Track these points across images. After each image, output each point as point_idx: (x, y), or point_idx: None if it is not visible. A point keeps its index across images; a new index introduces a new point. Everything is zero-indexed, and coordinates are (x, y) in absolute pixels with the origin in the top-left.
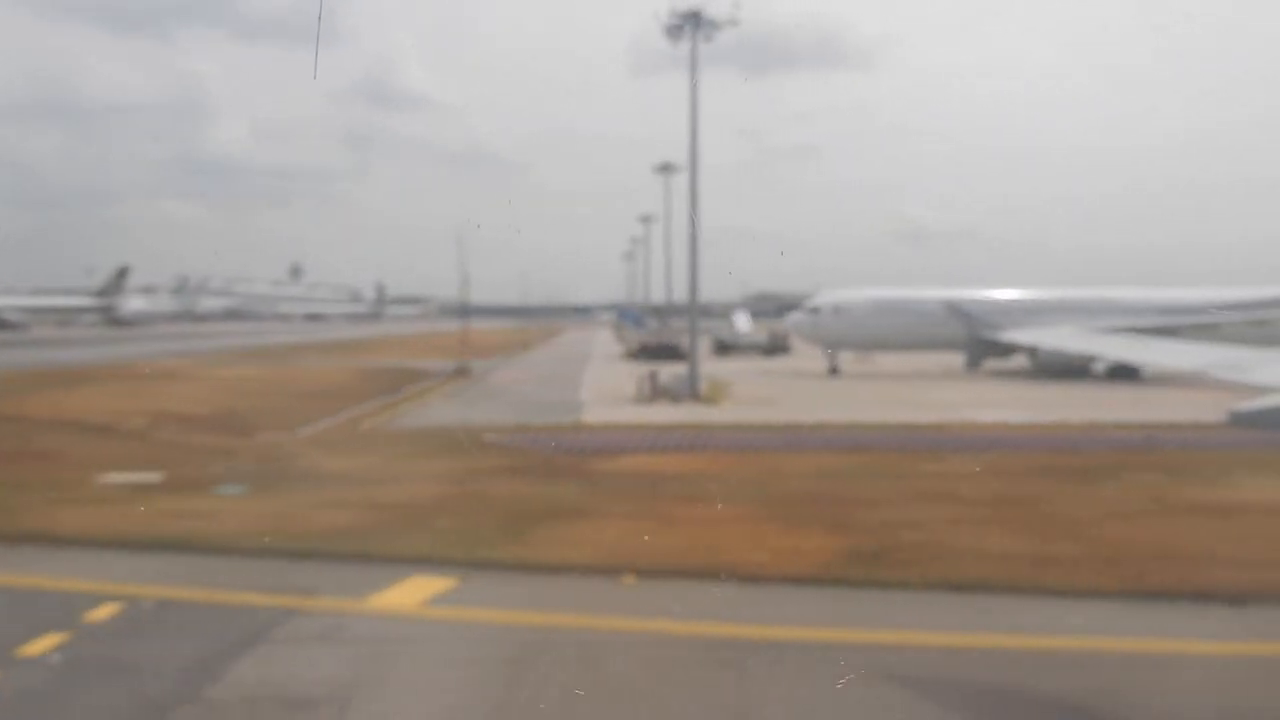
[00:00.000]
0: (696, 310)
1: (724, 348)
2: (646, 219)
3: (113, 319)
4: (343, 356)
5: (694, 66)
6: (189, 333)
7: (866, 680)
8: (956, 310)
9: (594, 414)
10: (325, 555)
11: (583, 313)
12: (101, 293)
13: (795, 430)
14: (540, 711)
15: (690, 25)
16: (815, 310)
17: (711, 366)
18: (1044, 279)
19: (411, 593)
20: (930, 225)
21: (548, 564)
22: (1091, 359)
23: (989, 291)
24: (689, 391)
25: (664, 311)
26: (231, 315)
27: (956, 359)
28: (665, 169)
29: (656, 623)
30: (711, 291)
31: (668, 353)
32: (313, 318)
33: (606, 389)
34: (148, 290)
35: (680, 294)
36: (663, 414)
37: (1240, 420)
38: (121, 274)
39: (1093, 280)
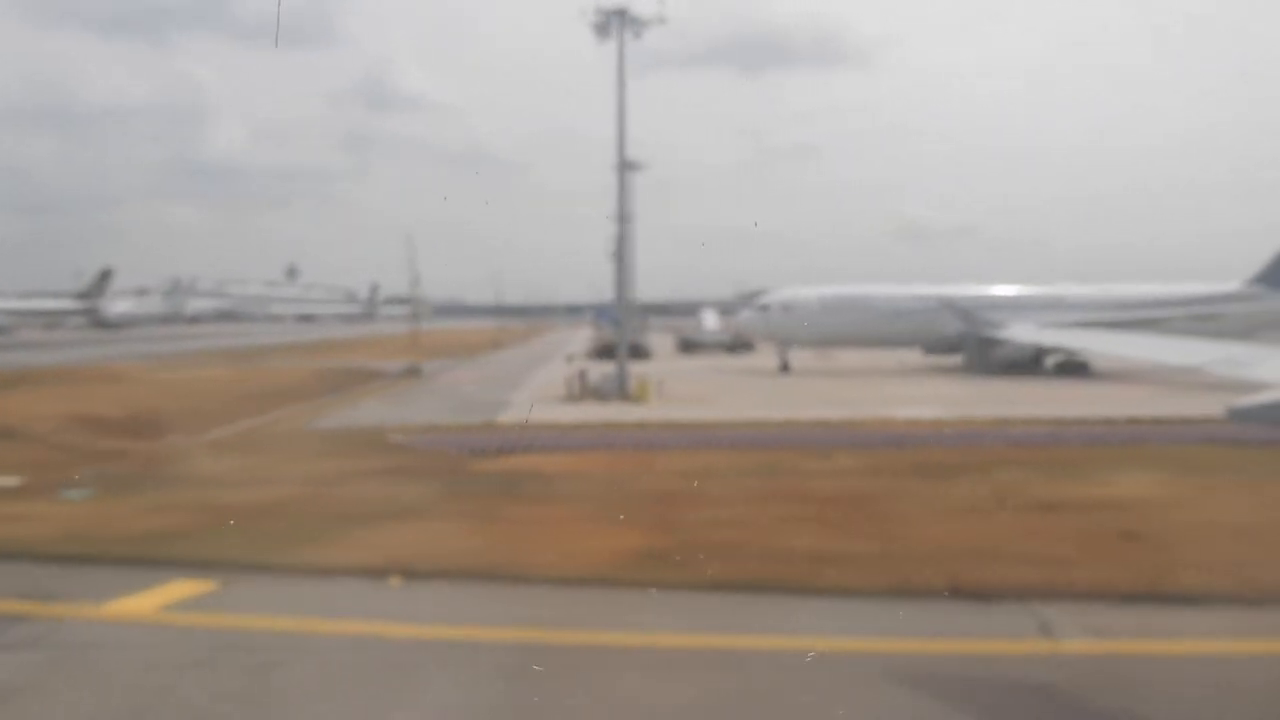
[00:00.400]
0: (625, 309)
1: (689, 345)
2: (625, 218)
3: (98, 321)
4: (309, 357)
5: (620, 65)
6: (171, 335)
7: (559, 680)
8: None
9: (517, 414)
10: (100, 559)
11: (575, 312)
12: (84, 295)
13: (705, 428)
14: (185, 713)
15: (617, 22)
16: (765, 308)
17: (670, 364)
18: (1043, 277)
19: (159, 598)
20: (930, 224)
21: (324, 567)
22: (1043, 354)
23: (941, 288)
24: (617, 390)
25: (650, 310)
26: (224, 317)
27: (917, 355)
28: (630, 166)
29: (377, 625)
30: (707, 290)
31: (634, 352)
32: (305, 319)
33: (547, 389)
34: (141, 292)
35: (656, 293)
36: (584, 413)
37: (1238, 416)
38: (104, 276)
39: (1094, 277)
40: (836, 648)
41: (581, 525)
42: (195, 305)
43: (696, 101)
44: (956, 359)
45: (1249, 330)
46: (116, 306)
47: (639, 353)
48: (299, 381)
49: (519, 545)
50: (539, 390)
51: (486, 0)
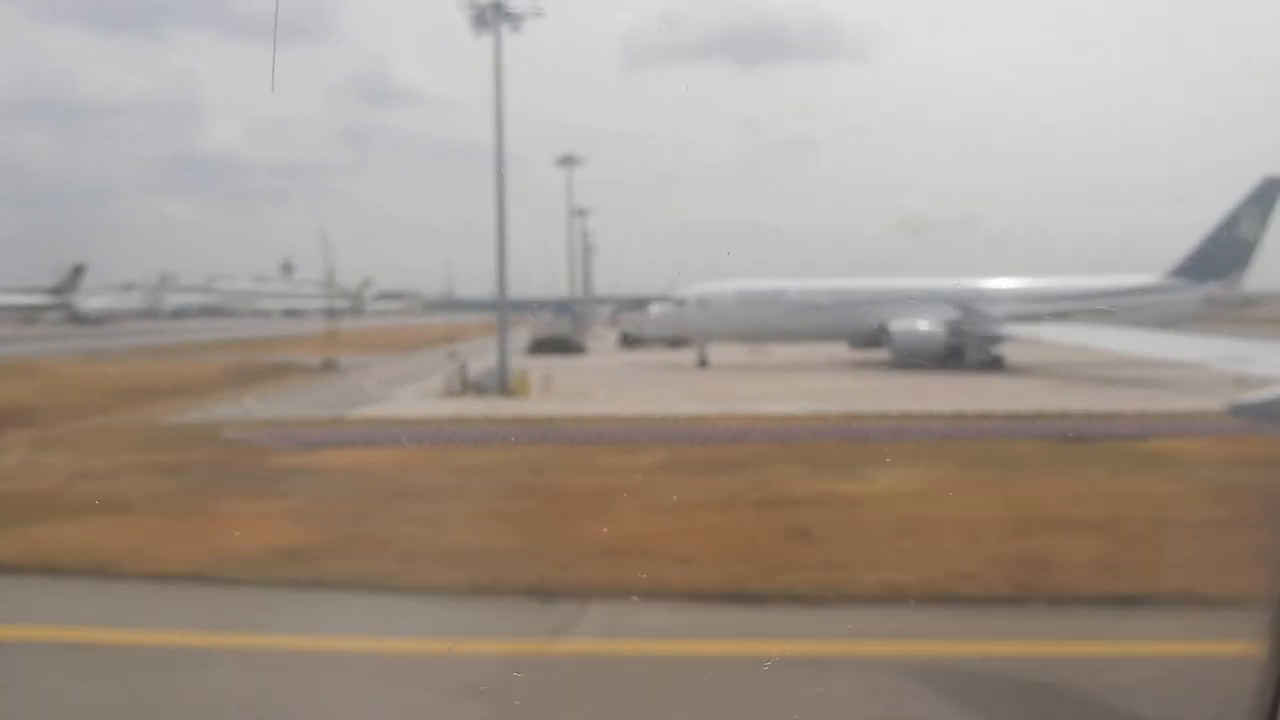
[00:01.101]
0: (506, 305)
1: (630, 340)
2: (582, 212)
3: (75, 316)
4: (247, 352)
5: (497, 57)
6: (142, 330)
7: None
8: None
9: (386, 408)
10: None
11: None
12: (56, 290)
13: (554, 423)
14: None
15: (493, 15)
16: (680, 302)
17: (597, 359)
18: (1043, 268)
19: None
20: (931, 217)
21: None
22: (951, 348)
23: (859, 282)
24: (498, 385)
25: (626, 305)
26: (210, 312)
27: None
28: (567, 161)
29: None
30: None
31: (561, 346)
32: (290, 313)
33: (442, 385)
34: (127, 287)
35: (653, 287)
36: (449, 407)
37: (1241, 413)
38: (77, 271)
39: (1092, 268)
40: (343, 647)
41: (265, 522)
42: (181, 300)
43: (694, 95)
44: (885, 353)
45: (1168, 321)
46: (90, 302)
47: (571, 347)
48: (206, 376)
49: (175, 542)
50: (433, 386)
51: None
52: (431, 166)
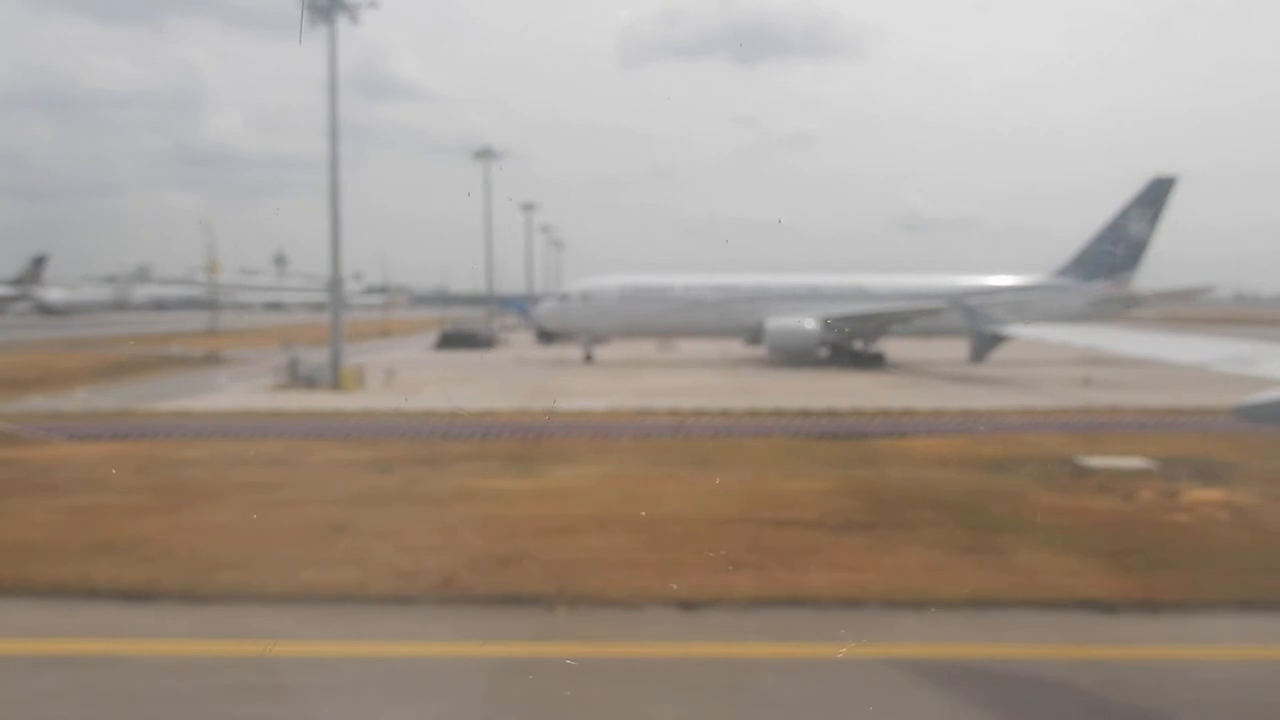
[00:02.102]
0: (339, 299)
1: (547, 336)
2: (528, 207)
3: (42, 308)
4: (162, 345)
5: (333, 55)
6: (97, 321)
7: None
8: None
9: (202, 401)
10: None
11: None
12: (18, 282)
13: (345, 417)
14: None
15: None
16: (565, 298)
17: (503, 354)
18: (1044, 266)
19: None
20: (929, 214)
21: None
22: (821, 346)
23: (746, 278)
24: (328, 379)
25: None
26: (189, 304)
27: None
28: (484, 154)
29: None
30: None
31: (469, 341)
32: (272, 306)
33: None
34: (110, 279)
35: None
36: (264, 401)
37: (1245, 414)
38: (38, 263)
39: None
40: None
41: None
42: (160, 293)
43: (692, 92)
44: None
45: (1053, 320)
46: (52, 294)
47: (479, 343)
48: (80, 368)
49: None
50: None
51: None
52: (429, 161)
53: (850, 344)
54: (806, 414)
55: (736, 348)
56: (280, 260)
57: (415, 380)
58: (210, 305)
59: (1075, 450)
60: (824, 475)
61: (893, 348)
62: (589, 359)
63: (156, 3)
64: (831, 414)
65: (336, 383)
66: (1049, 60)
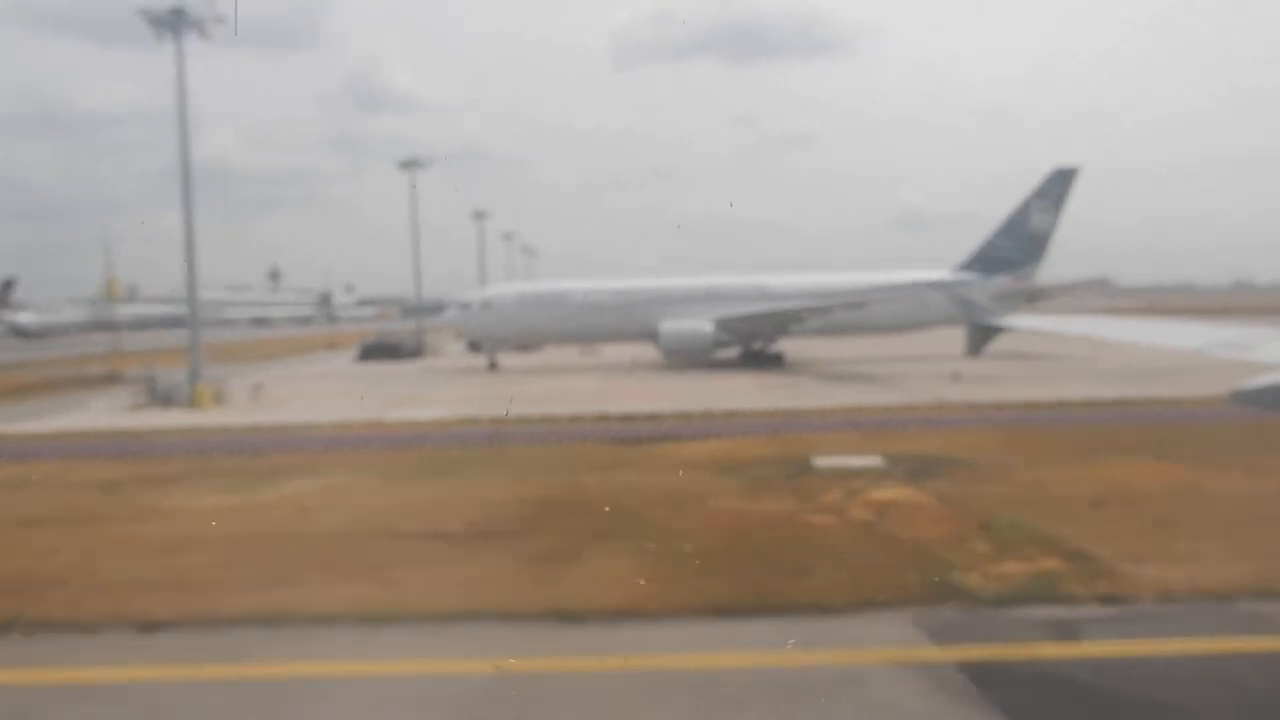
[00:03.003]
0: (197, 316)
1: (476, 345)
2: (480, 215)
3: (15, 330)
4: (102, 365)
5: (180, 69)
6: (65, 342)
7: None
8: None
9: (57, 421)
10: None
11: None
12: None
13: (166, 435)
14: None
15: (175, 21)
16: (466, 305)
17: (420, 364)
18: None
19: None
20: (929, 211)
21: None
22: (715, 347)
23: (645, 282)
24: (184, 397)
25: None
26: (172, 322)
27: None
28: (409, 164)
29: None
30: None
31: (390, 353)
32: (258, 322)
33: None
34: (95, 300)
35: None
36: (121, 419)
37: (1242, 399)
38: (6, 286)
39: (1095, 260)
40: None
41: None
42: (144, 311)
43: (686, 92)
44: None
45: (954, 317)
46: (21, 316)
47: (401, 354)
48: None
49: None
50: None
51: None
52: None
53: (748, 344)
54: (629, 418)
55: (647, 353)
56: (274, 275)
57: (287, 395)
58: (184, 323)
59: (838, 449)
60: (543, 482)
61: (837, 347)
62: (493, 366)
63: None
64: (652, 418)
65: (191, 400)
66: (1047, 57)
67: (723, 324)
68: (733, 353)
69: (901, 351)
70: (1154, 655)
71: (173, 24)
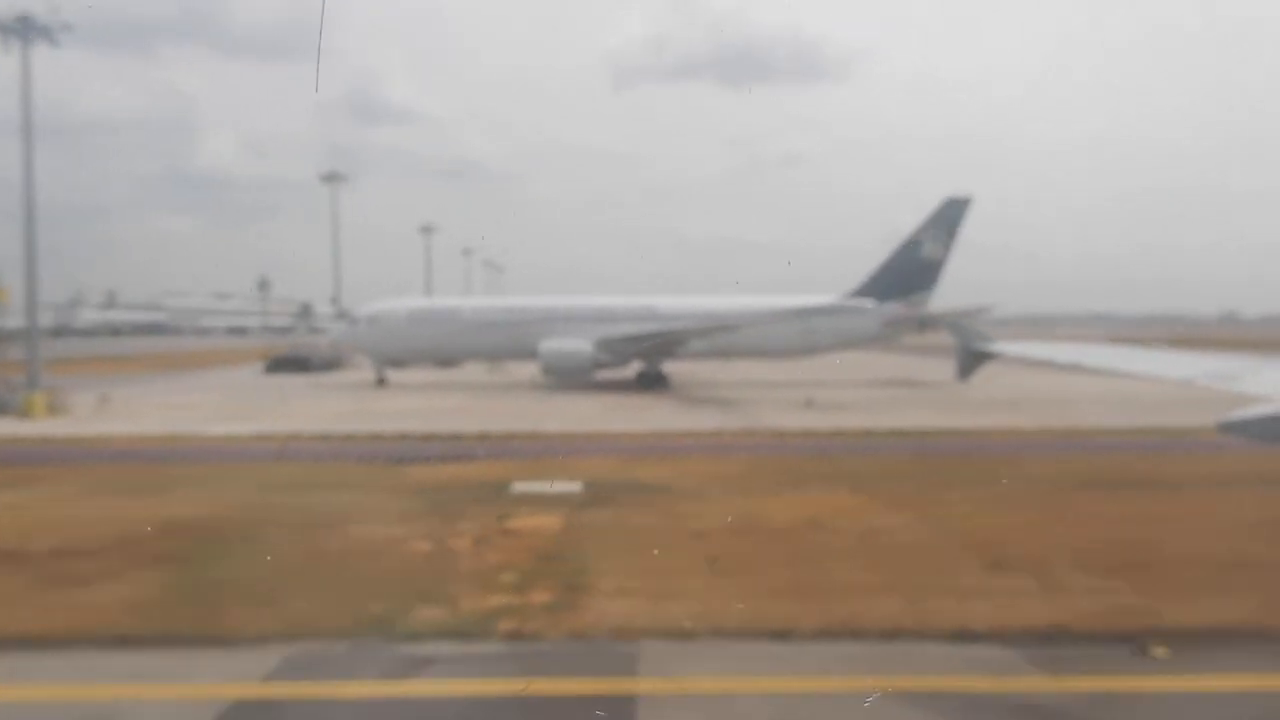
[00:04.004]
0: (36, 326)
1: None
2: (427, 229)
3: None
4: None
5: (25, 78)
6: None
7: None
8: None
9: None
10: None
11: None
12: None
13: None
14: None
15: (20, 30)
16: (355, 321)
17: (319, 377)
18: (1037, 288)
19: None
20: None
21: None
22: (596, 367)
23: (532, 300)
24: (17, 405)
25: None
26: (149, 329)
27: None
28: (331, 178)
29: None
30: None
31: (299, 365)
32: (235, 331)
33: None
34: (72, 304)
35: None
36: None
37: (1229, 430)
38: None
39: (1087, 289)
40: None
41: None
42: (110, 317)
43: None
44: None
45: (846, 342)
46: None
47: (309, 365)
48: None
49: None
50: None
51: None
52: (420, 183)
53: (628, 364)
54: (429, 438)
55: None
56: (263, 284)
57: (139, 407)
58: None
59: (576, 473)
60: (216, 502)
61: (740, 371)
62: (382, 382)
63: (149, 30)
64: (453, 438)
65: (22, 409)
66: (1039, 81)
67: (603, 344)
68: (630, 372)
69: (794, 377)
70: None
71: (20, 31)
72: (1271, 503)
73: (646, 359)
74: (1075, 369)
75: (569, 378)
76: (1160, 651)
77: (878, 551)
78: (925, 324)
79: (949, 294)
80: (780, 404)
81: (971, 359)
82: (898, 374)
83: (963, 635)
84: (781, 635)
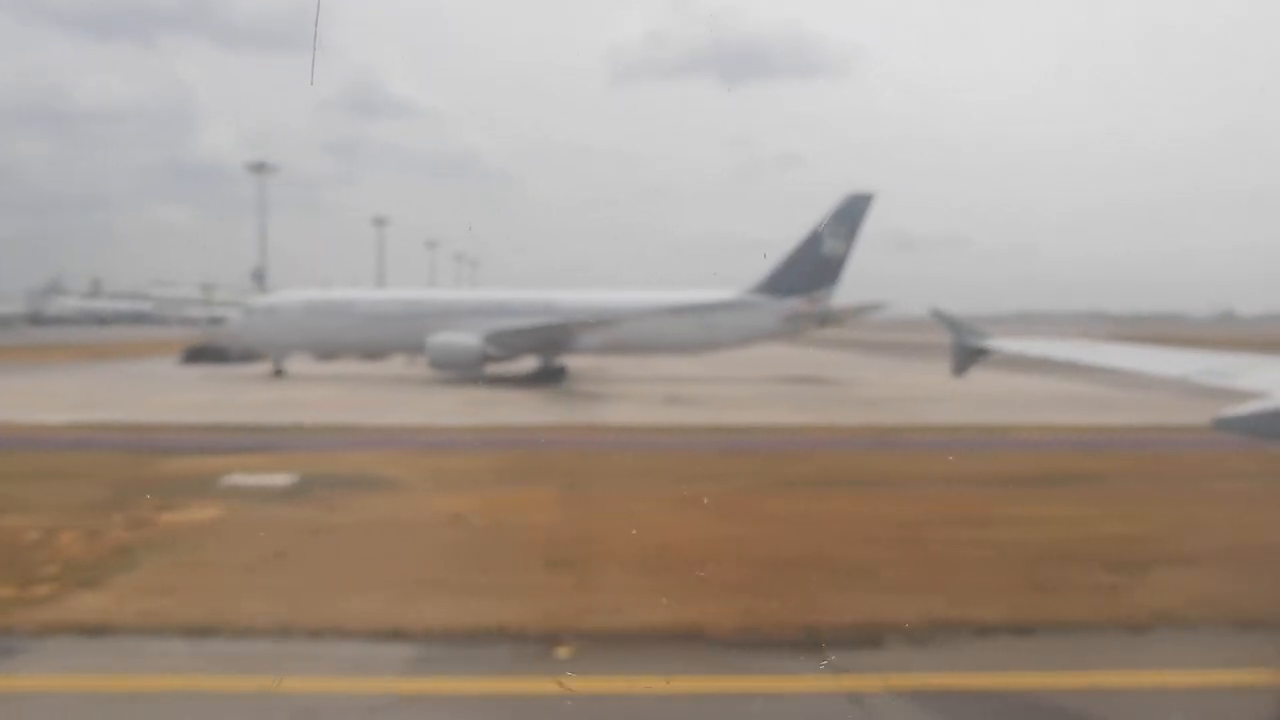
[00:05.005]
0: None
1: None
2: (380, 221)
3: None
4: None
5: None
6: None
7: None
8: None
9: None
10: None
11: None
12: None
13: None
14: None
15: None
16: (250, 311)
17: (227, 369)
18: (1035, 289)
19: None
20: (918, 233)
21: None
22: (484, 361)
23: (430, 293)
24: None
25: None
26: (133, 318)
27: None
28: (257, 168)
29: None
30: None
31: (217, 356)
32: (215, 321)
33: None
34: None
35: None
36: None
37: (1224, 426)
38: None
39: (1084, 289)
40: None
41: None
42: (88, 306)
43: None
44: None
45: (746, 338)
46: None
47: (229, 356)
48: None
49: None
50: None
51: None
52: (419, 178)
53: (518, 359)
54: (240, 429)
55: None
56: (257, 275)
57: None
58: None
59: (345, 467)
60: None
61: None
62: (279, 374)
63: (149, 20)
64: (279, 430)
65: None
66: (1039, 82)
67: (492, 338)
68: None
69: (701, 373)
70: None
71: None
72: (949, 500)
73: (541, 353)
74: (1046, 368)
75: (457, 372)
76: (563, 652)
77: (463, 548)
78: (826, 320)
79: (952, 295)
80: (648, 399)
81: (966, 355)
82: (813, 371)
83: (397, 634)
84: (203, 632)
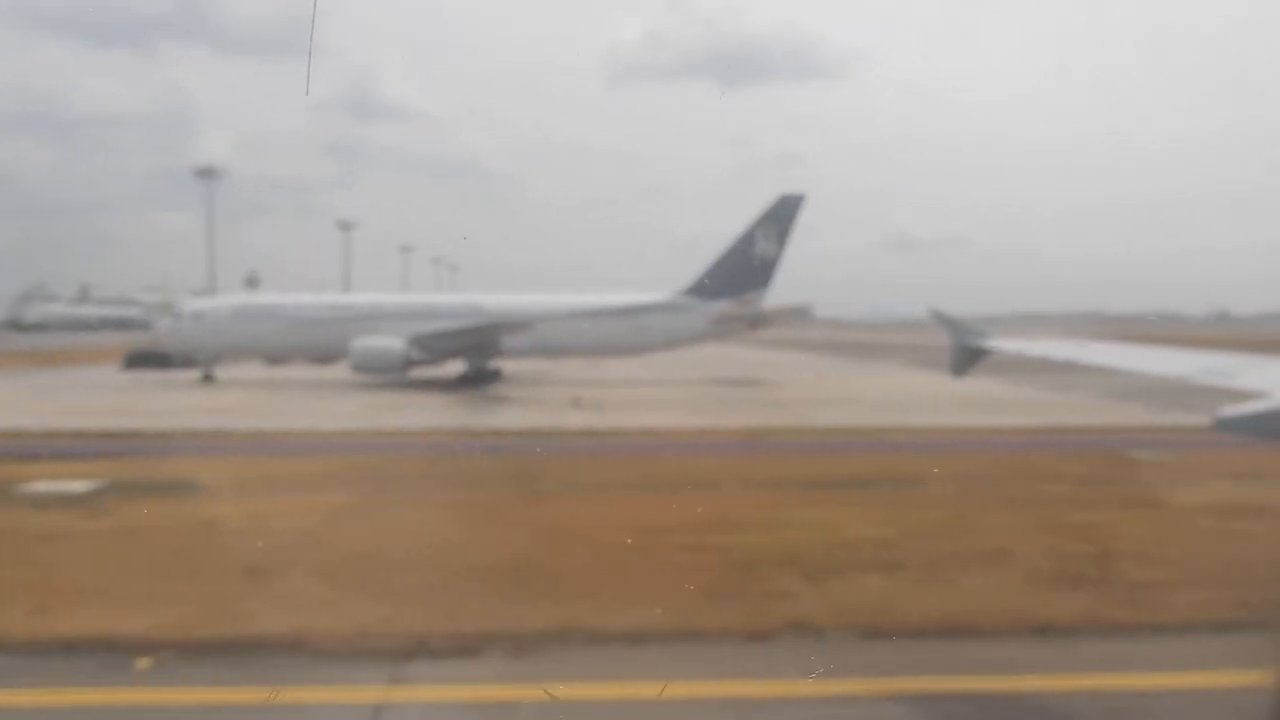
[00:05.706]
0: None
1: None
2: (346, 225)
3: None
4: None
5: None
6: None
7: None
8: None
9: None
10: None
11: None
12: None
13: None
14: None
15: None
16: (178, 317)
17: (166, 375)
18: (1037, 290)
19: None
20: (919, 234)
21: None
22: (411, 365)
23: (358, 297)
24: None
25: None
26: (118, 324)
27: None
28: (206, 173)
29: None
30: None
31: (159, 361)
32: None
33: None
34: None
35: None
36: None
37: (1225, 426)
38: None
39: (1083, 289)
40: None
41: None
42: (71, 312)
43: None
44: (431, 371)
45: (675, 340)
46: None
47: (171, 361)
48: None
49: None
50: None
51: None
52: (419, 179)
53: (443, 363)
54: (105, 435)
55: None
56: (252, 281)
57: None
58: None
59: (178, 473)
60: None
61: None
62: (208, 379)
63: (147, 26)
64: (159, 436)
65: None
66: (1039, 82)
67: (416, 341)
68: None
69: (633, 375)
70: None
71: None
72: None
73: (467, 357)
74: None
75: (380, 376)
76: (143, 663)
77: (187, 554)
78: (757, 322)
79: (952, 295)
80: (555, 404)
81: (966, 356)
82: (750, 373)
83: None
84: None
